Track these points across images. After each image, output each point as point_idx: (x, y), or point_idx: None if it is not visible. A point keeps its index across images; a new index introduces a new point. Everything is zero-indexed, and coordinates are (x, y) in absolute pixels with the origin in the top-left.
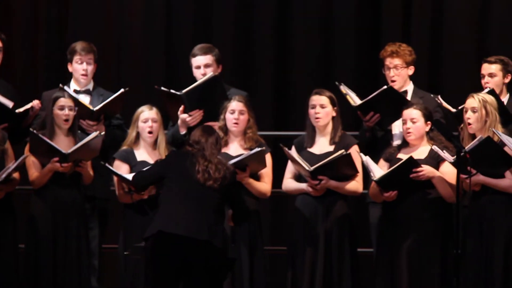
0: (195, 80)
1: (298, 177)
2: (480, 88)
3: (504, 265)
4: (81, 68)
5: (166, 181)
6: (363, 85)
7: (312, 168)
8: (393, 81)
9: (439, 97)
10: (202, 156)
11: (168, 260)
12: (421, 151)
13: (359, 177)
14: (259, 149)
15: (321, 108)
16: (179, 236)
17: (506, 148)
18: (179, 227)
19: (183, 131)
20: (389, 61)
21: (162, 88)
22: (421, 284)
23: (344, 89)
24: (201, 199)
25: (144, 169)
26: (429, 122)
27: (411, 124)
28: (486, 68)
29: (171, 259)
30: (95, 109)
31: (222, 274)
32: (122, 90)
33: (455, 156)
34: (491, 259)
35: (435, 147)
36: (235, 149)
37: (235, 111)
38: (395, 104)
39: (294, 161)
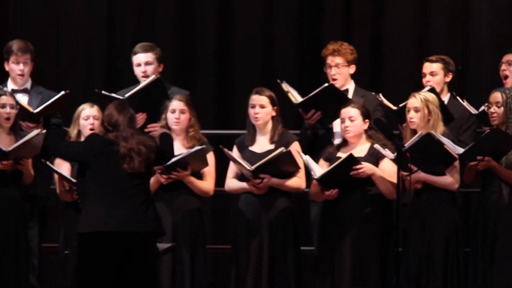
0: (136, 79)
1: (240, 177)
2: (421, 87)
3: (444, 262)
4: (17, 68)
5: (89, 171)
6: (305, 83)
7: (253, 167)
8: (334, 80)
9: (380, 95)
10: (123, 139)
11: (105, 261)
12: (361, 149)
13: (301, 173)
14: (200, 147)
15: (261, 108)
16: (114, 233)
17: (446, 145)
18: (111, 223)
19: None
20: (330, 60)
21: (103, 92)
22: (361, 282)
23: (285, 86)
24: (131, 188)
25: (69, 143)
26: (367, 120)
27: (349, 122)
28: (428, 67)
29: (108, 259)
30: (35, 111)
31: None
32: (62, 92)
33: (396, 153)
34: (432, 256)
35: (376, 146)
36: (177, 148)
37: (175, 111)
38: (336, 102)
39: (235, 161)
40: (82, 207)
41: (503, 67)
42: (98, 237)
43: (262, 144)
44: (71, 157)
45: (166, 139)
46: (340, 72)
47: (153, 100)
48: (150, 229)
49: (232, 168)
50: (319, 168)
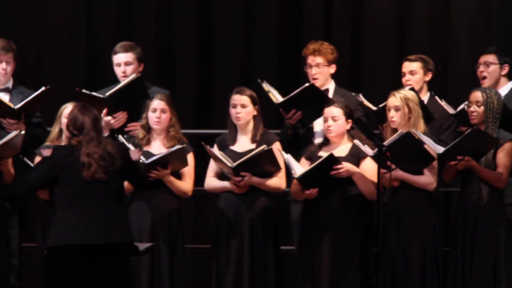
0: (117, 79)
1: (220, 176)
2: (401, 86)
3: (422, 262)
4: (0, 67)
5: (58, 183)
6: (285, 83)
7: (234, 164)
8: (314, 79)
9: (361, 95)
10: (85, 143)
11: (73, 273)
12: (342, 149)
13: (282, 173)
14: (180, 146)
15: (242, 107)
16: (80, 246)
17: (425, 145)
18: (78, 236)
19: (106, 133)
20: (311, 59)
21: (84, 90)
22: (341, 282)
23: (266, 86)
24: (98, 197)
25: (34, 167)
26: (350, 120)
27: (332, 122)
28: (407, 66)
29: (75, 272)
30: (16, 107)
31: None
32: (43, 88)
33: (376, 150)
34: (409, 256)
35: (356, 141)
36: (157, 147)
37: (156, 110)
38: (316, 102)
39: (217, 158)
40: (52, 218)
41: (481, 68)
42: (65, 251)
43: (243, 143)
44: (41, 180)
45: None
46: (321, 72)
47: (133, 99)
48: (118, 240)
49: (212, 167)
50: (300, 167)
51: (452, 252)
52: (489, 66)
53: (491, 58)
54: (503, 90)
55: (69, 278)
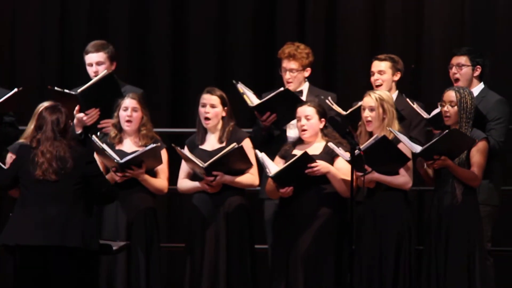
0: (90, 78)
1: (192, 176)
2: (371, 86)
3: (395, 261)
4: None
5: (19, 181)
6: (260, 83)
7: (206, 164)
8: (289, 83)
9: (330, 98)
10: (43, 141)
11: (29, 274)
12: (316, 147)
13: (254, 169)
14: (154, 145)
15: (211, 107)
16: (36, 247)
17: (400, 145)
18: (26, 236)
19: (78, 131)
20: (285, 64)
21: (56, 88)
22: (316, 280)
23: (241, 88)
24: (53, 197)
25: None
26: (323, 119)
27: (305, 121)
28: (376, 65)
29: (25, 272)
30: None
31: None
32: (15, 89)
33: (350, 152)
34: (384, 255)
35: (330, 144)
36: (129, 146)
37: (128, 108)
38: (291, 105)
39: (188, 159)
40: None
41: (454, 70)
42: (15, 249)
43: (212, 142)
44: (7, 178)
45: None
46: (295, 77)
47: (106, 96)
48: (60, 243)
49: (184, 169)
50: (274, 166)
51: (427, 251)
52: (461, 68)
53: (463, 60)
54: (474, 91)
55: (19, 277)
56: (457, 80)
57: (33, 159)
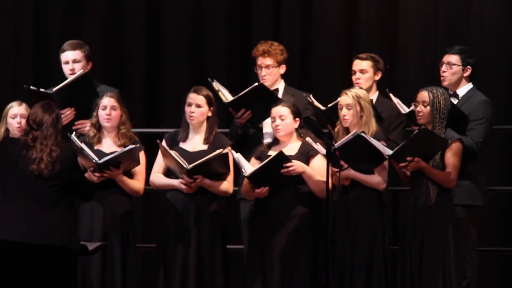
0: (65, 77)
1: (167, 172)
2: (350, 85)
3: (369, 260)
4: None
5: (1, 174)
6: (235, 82)
7: (190, 166)
8: (264, 80)
9: (311, 96)
10: (42, 138)
11: (8, 271)
12: (291, 148)
13: (231, 176)
14: (133, 146)
15: (197, 107)
16: (18, 243)
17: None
18: (16, 232)
19: None
20: (260, 61)
21: (31, 87)
22: (291, 280)
23: (216, 85)
24: (40, 194)
25: None
26: (297, 119)
27: (279, 121)
28: (357, 64)
29: (9, 269)
30: None
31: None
32: None
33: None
34: (357, 254)
35: (308, 139)
36: (108, 145)
37: (106, 107)
38: (266, 101)
39: (169, 157)
40: None
41: (444, 67)
42: (10, 246)
43: (195, 143)
44: None
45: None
46: (270, 73)
47: (81, 96)
48: (51, 242)
49: (159, 163)
50: (250, 166)
51: (401, 251)
52: (451, 66)
53: (454, 59)
54: (461, 91)
55: (2, 273)
56: (444, 78)
57: (25, 155)
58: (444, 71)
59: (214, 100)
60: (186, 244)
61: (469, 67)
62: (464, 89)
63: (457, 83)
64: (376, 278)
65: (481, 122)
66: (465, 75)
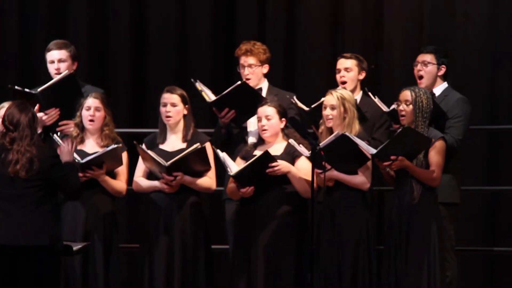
0: (50, 77)
1: (149, 176)
2: (334, 84)
3: (354, 260)
4: None
5: None
6: (219, 82)
7: (168, 163)
8: (247, 79)
9: (294, 97)
10: (18, 139)
11: None
12: (277, 148)
13: (212, 173)
14: (115, 146)
15: (172, 106)
16: (1, 246)
17: (360, 146)
18: None
19: (39, 130)
20: (243, 60)
21: (16, 87)
22: (276, 280)
23: (199, 85)
24: (21, 196)
25: None
26: (283, 119)
27: (266, 121)
28: (342, 63)
29: None
30: None
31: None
32: None
33: (311, 150)
34: (342, 254)
35: (291, 141)
36: (91, 146)
37: (90, 108)
38: (250, 101)
39: (148, 158)
40: None
41: (419, 67)
42: None
43: (173, 142)
44: None
45: (71, 169)
46: (253, 72)
47: (66, 96)
48: (35, 243)
49: (140, 167)
50: (235, 166)
51: (387, 251)
52: (427, 65)
53: (429, 57)
54: (437, 90)
55: None
56: (421, 77)
57: (4, 158)
58: (420, 70)
59: (188, 98)
60: (169, 243)
61: (443, 66)
62: (440, 88)
63: (432, 82)
64: (361, 277)
65: (460, 119)
66: (439, 74)
